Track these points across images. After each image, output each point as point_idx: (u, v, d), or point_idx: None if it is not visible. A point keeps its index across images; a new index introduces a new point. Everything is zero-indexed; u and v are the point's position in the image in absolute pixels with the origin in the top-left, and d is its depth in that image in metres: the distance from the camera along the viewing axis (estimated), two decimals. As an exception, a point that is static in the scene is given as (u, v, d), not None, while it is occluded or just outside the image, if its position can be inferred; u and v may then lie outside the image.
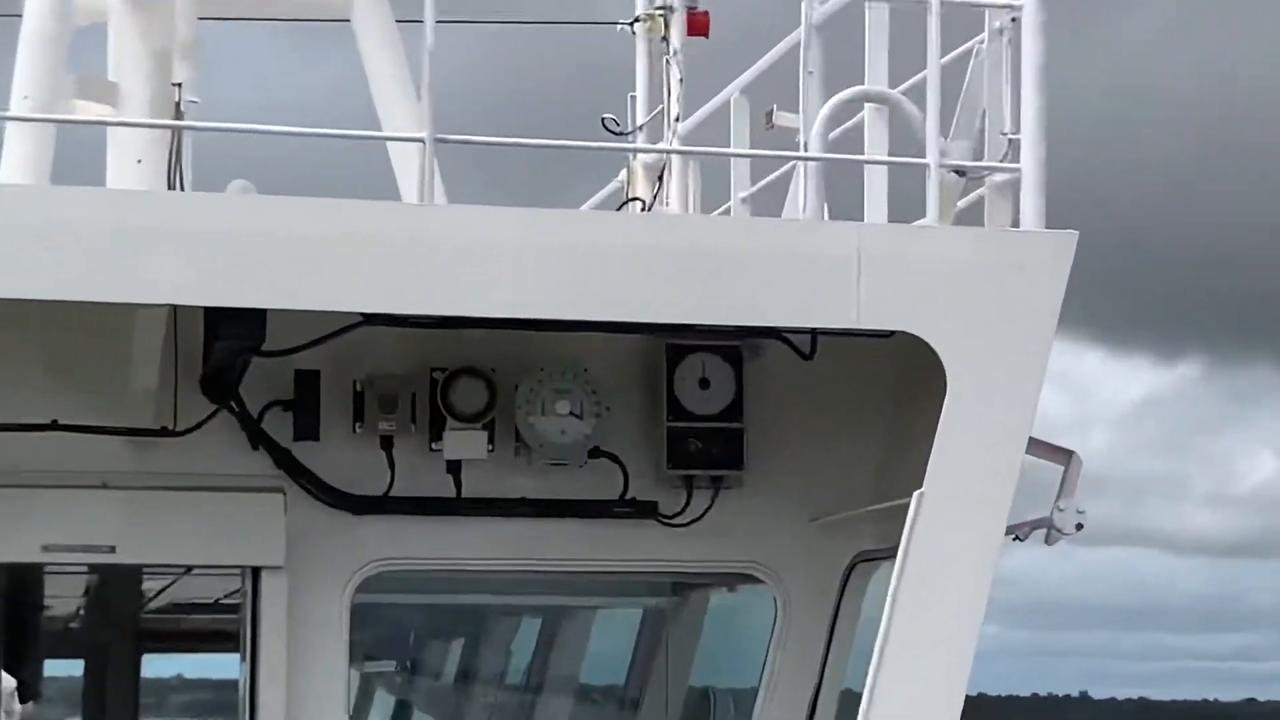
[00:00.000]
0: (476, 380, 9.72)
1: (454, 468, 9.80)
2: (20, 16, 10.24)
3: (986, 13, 9.25)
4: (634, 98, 12.59)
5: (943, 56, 9.24)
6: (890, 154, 9.59)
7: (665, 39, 12.14)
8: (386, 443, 9.75)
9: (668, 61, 12.02)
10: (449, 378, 9.72)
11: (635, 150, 12.00)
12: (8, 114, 9.94)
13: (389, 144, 10.89)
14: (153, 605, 16.44)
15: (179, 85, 11.04)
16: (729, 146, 10.92)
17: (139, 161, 10.75)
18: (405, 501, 9.82)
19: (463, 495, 9.82)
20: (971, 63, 9.37)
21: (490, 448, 9.78)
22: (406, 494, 9.82)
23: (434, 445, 9.77)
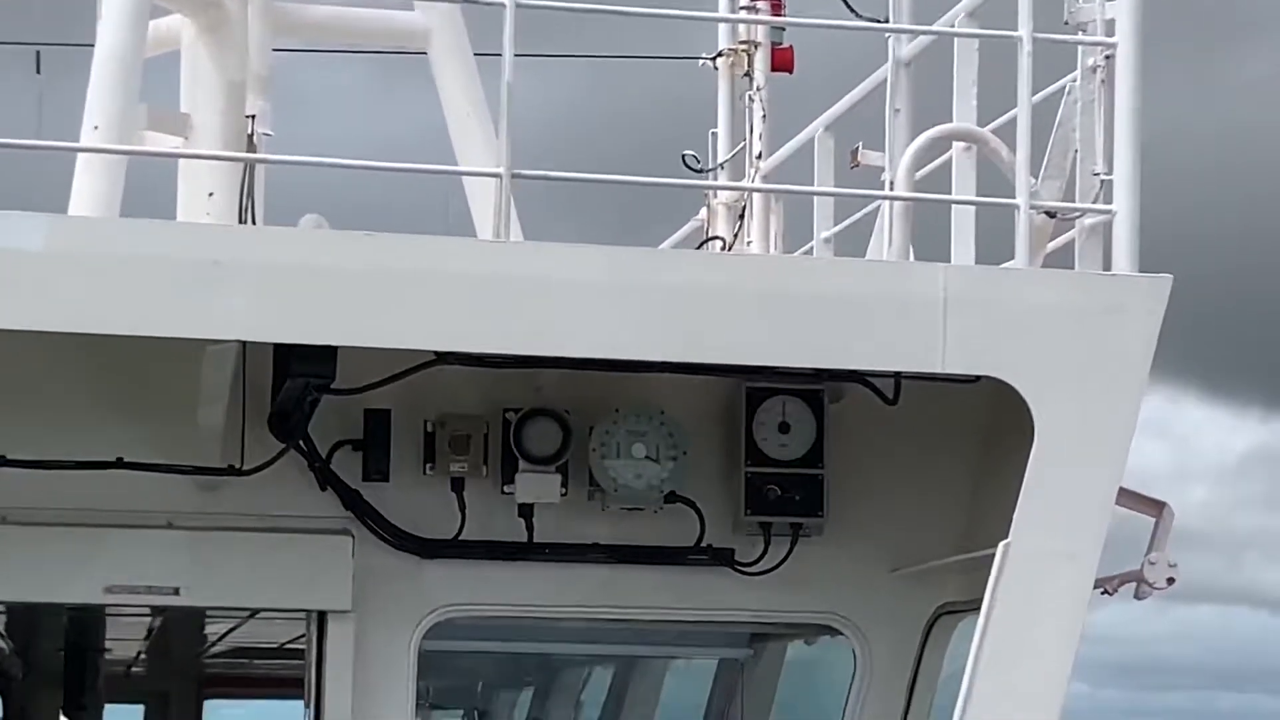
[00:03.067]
0: (550, 421, 9.70)
1: (526, 511, 9.79)
2: (92, 45, 10.29)
3: (1079, 50, 9.21)
4: (715, 134, 12.58)
5: (1034, 94, 9.23)
6: (978, 194, 9.58)
7: (748, 74, 12.15)
8: (457, 484, 9.74)
9: (750, 97, 12.02)
10: (522, 418, 9.71)
11: (716, 188, 12.00)
12: (78, 145, 9.99)
13: (465, 179, 10.92)
14: (216, 649, 16.52)
15: (252, 117, 11.09)
16: (812, 185, 10.91)
17: (210, 194, 10.80)
18: (476, 545, 9.81)
19: (534, 540, 9.81)
20: (1063, 101, 9.32)
21: (564, 491, 9.76)
22: (477, 538, 9.81)
23: (506, 488, 9.76)
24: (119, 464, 9.37)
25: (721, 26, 12.29)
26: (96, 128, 10.04)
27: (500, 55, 8.82)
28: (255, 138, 10.97)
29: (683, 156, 12.57)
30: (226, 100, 11.19)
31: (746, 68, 12.06)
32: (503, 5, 8.73)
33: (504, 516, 9.78)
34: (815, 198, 10.89)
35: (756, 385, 9.88)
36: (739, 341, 9.00)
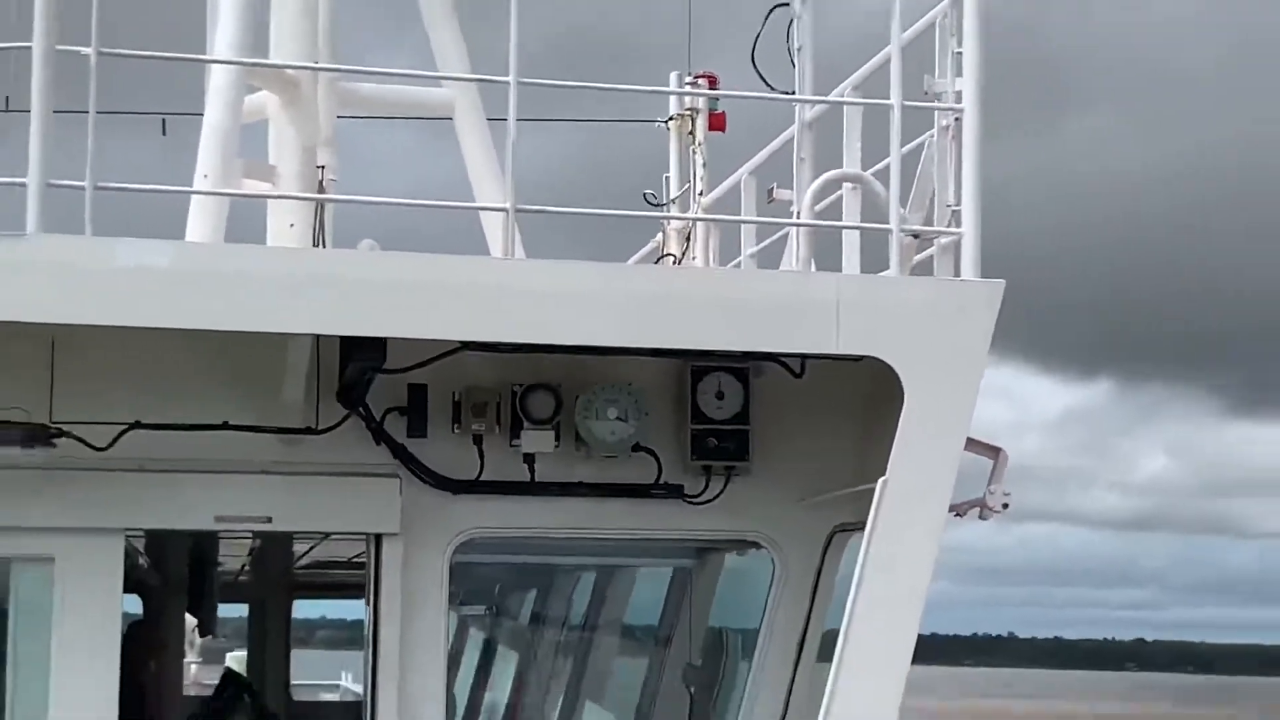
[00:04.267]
0: (546, 393, 9.76)
1: (528, 459, 9.84)
2: (203, 114, 10.32)
3: (936, 113, 9.27)
4: (667, 177, 12.62)
5: (902, 146, 9.28)
6: (861, 221, 9.64)
7: (692, 133, 12.20)
8: (477, 440, 9.78)
9: (694, 150, 12.08)
10: (525, 391, 9.75)
11: (668, 218, 12.03)
12: (192, 189, 10.03)
13: (481, 213, 10.99)
14: (300, 563, 16.54)
15: (322, 167, 11.16)
16: (740, 215, 11.00)
17: (291, 225, 10.88)
18: (491, 484, 9.85)
19: (535, 480, 9.87)
20: (924, 151, 9.38)
21: (556, 444, 9.81)
22: (492, 478, 9.85)
23: (513, 442, 9.80)
24: (225, 426, 9.43)
25: (672, 98, 12.34)
26: (205, 176, 10.06)
27: (506, 120, 8.90)
28: (324, 182, 11.02)
29: (644, 194, 12.64)
30: (302, 155, 11.22)
31: (691, 128, 12.10)
32: (507, 83, 8.81)
33: (512, 463, 9.82)
34: (742, 225, 10.89)
35: (699, 365, 9.93)
36: (685, 332, 9.11)
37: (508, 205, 9.10)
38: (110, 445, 9.21)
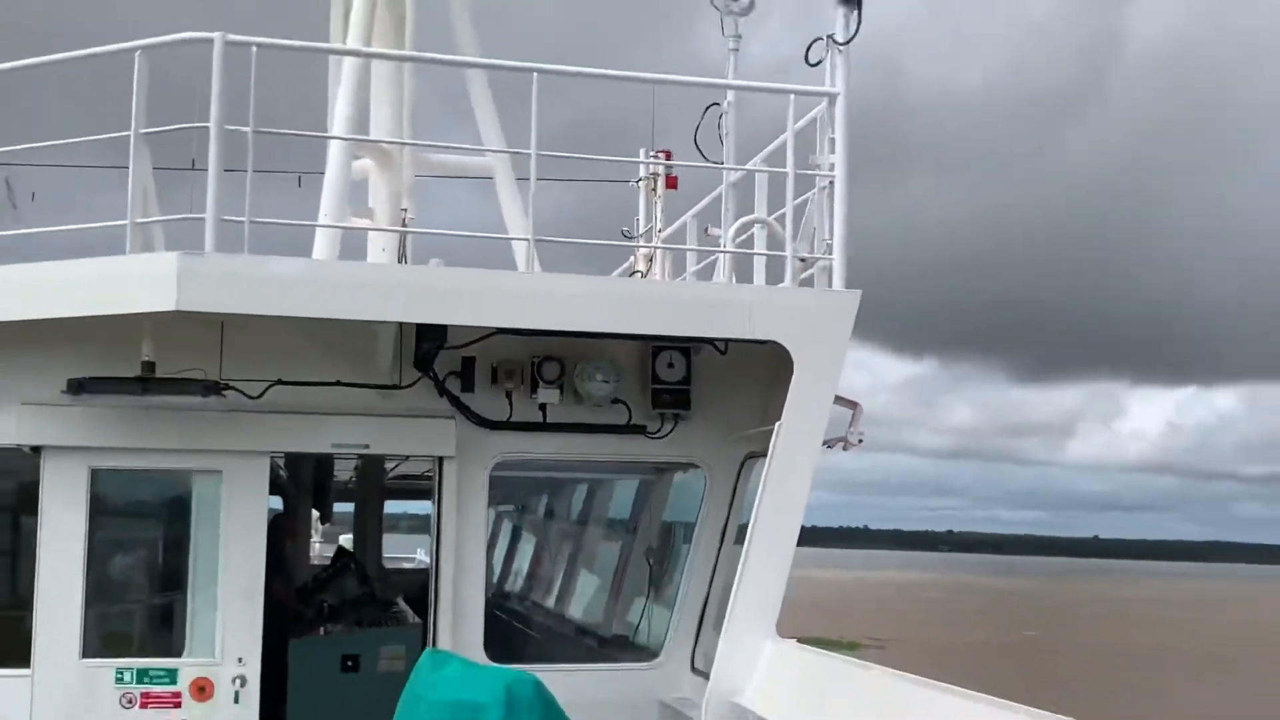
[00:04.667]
0: (554, 363, 9.70)
1: (542, 407, 9.77)
2: (323, 172, 10.28)
3: (816, 178, 9.24)
4: (638, 219, 12.56)
5: (795, 199, 9.21)
6: (767, 250, 9.61)
7: (654, 189, 12.15)
8: (508, 394, 9.72)
9: (655, 201, 12.04)
10: (540, 361, 9.70)
11: (638, 246, 11.96)
12: (317, 223, 9.99)
13: (512, 241, 10.85)
14: (389, 476, 16.48)
15: (404, 210, 11.12)
16: (685, 245, 10.95)
17: (383, 249, 10.84)
18: (516, 424, 9.76)
19: (546, 421, 9.81)
20: (809, 203, 9.34)
21: (561, 397, 9.75)
22: (517, 420, 9.77)
23: (532, 395, 9.73)
24: (338, 383, 9.40)
25: (642, 166, 12.27)
26: (326, 214, 10.01)
27: (529, 179, 8.87)
28: (405, 220, 10.98)
29: (622, 230, 12.59)
30: (391, 201, 11.21)
31: (654, 186, 12.04)
32: (529, 154, 8.77)
33: (531, 409, 9.75)
34: (686, 252, 10.84)
35: (657, 345, 9.84)
36: (648, 323, 9.09)
37: (529, 236, 9.09)
38: (260, 395, 9.20)
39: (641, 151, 12.22)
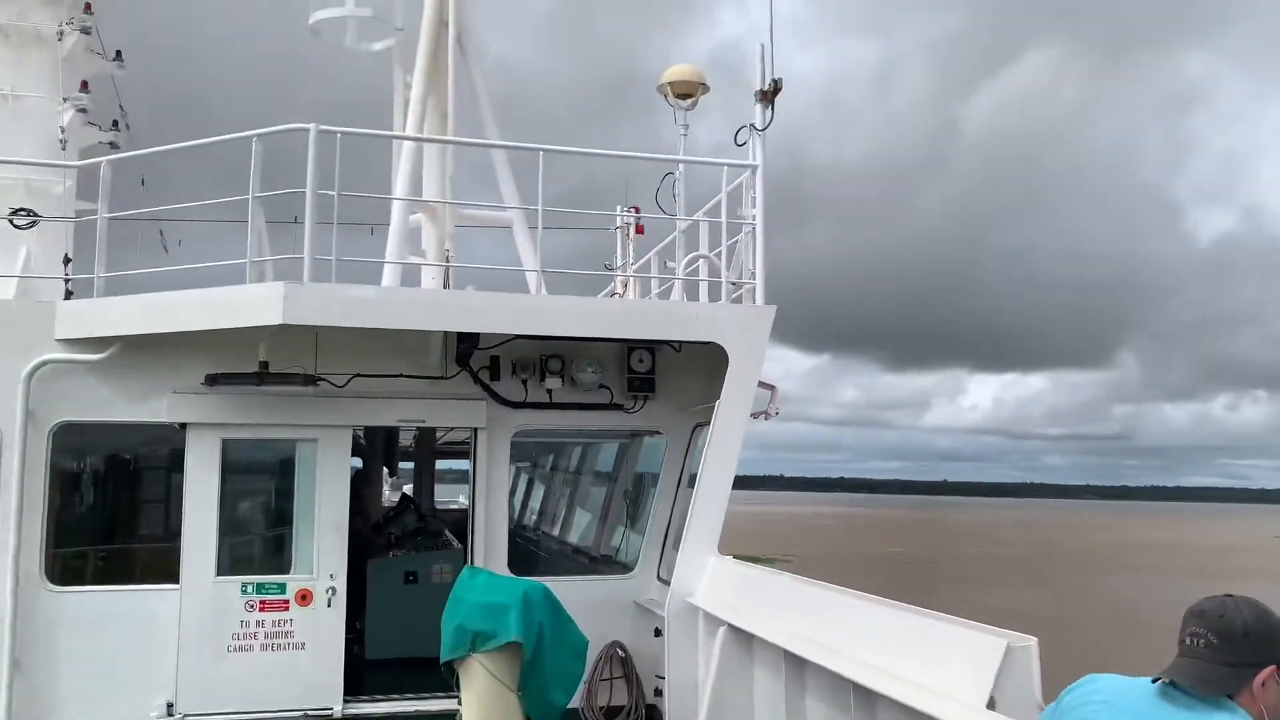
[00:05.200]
0: (558, 359, 9.60)
1: (548, 392, 9.65)
2: (389, 224, 10.18)
3: (744, 225, 9.18)
4: (616, 256, 12.50)
5: (728, 240, 9.22)
6: (709, 277, 9.56)
7: (628, 235, 12.12)
8: (524, 383, 9.60)
9: (629, 243, 12.01)
10: (547, 358, 9.60)
11: (617, 275, 11.86)
12: (384, 259, 9.91)
13: (527, 273, 10.48)
14: (439, 441, 16.35)
15: (448, 250, 11.02)
16: (650, 274, 10.87)
17: (433, 279, 10.71)
18: (530, 403, 9.64)
19: (553, 401, 9.69)
20: (740, 243, 9.28)
21: (562, 384, 9.64)
22: (532, 400, 9.64)
23: (542, 383, 9.61)
24: (400, 375, 9.28)
25: (619, 218, 12.22)
26: (391, 254, 9.93)
27: (537, 228, 8.77)
28: (449, 258, 10.86)
29: (605, 264, 12.51)
30: (439, 244, 11.10)
31: (628, 233, 12.02)
32: (537, 209, 8.67)
33: (540, 393, 9.62)
34: (650, 279, 10.76)
35: (631, 345, 9.76)
36: (624, 331, 9.00)
37: (538, 269, 9.03)
38: (345, 385, 9.10)
39: (618, 207, 12.21)
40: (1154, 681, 2.75)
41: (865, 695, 5.61)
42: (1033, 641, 4.42)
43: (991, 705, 4.39)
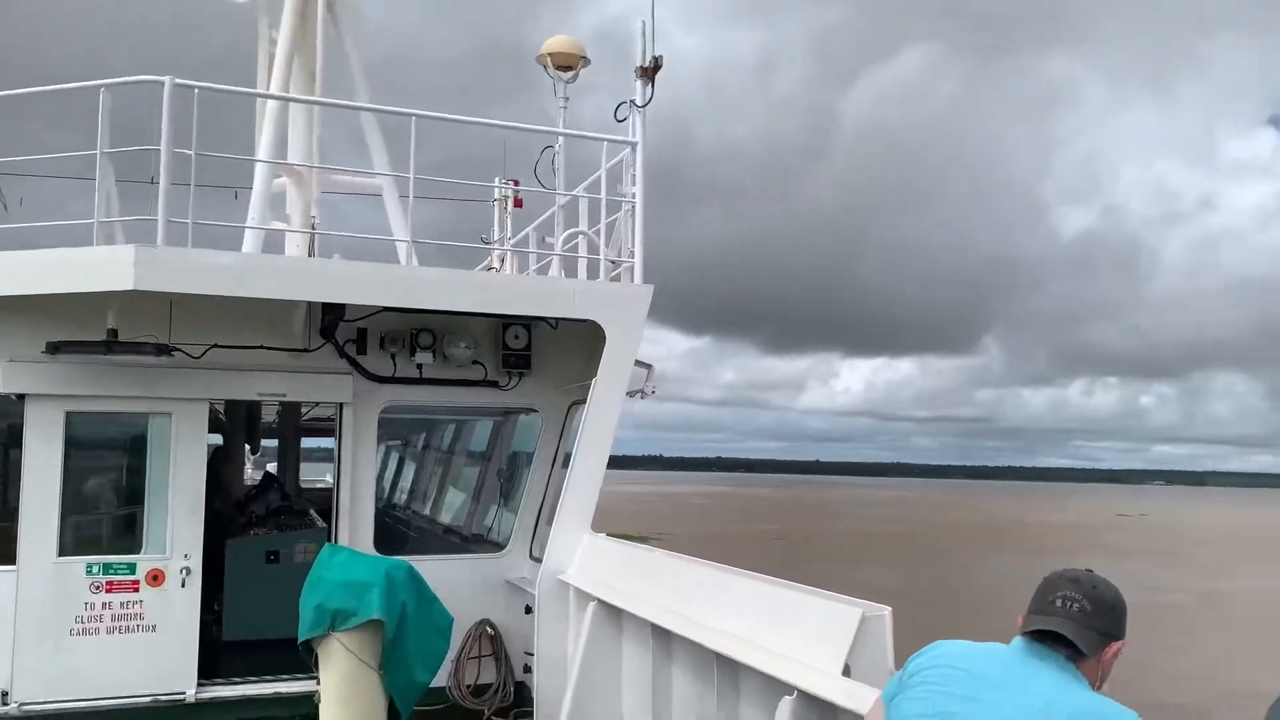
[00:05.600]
0: (428, 333, 9.44)
1: (418, 366, 9.49)
2: (251, 187, 9.82)
3: (623, 203, 9.17)
4: (494, 229, 12.36)
5: (608, 218, 9.19)
6: (587, 254, 9.54)
7: (506, 208, 11.99)
8: (392, 356, 9.42)
9: (507, 216, 11.88)
10: (417, 332, 9.42)
11: (494, 249, 11.74)
12: (245, 224, 9.55)
13: (396, 242, 10.22)
14: (303, 418, 15.94)
15: (314, 217, 10.69)
16: (528, 249, 10.78)
17: (297, 246, 10.40)
18: (400, 379, 9.48)
19: (423, 376, 9.54)
20: (619, 221, 9.28)
21: (433, 358, 9.49)
22: (400, 375, 9.48)
23: (411, 358, 9.44)
24: (262, 346, 8.99)
25: (497, 190, 12.07)
26: (252, 219, 9.58)
27: (408, 197, 8.57)
28: (314, 225, 10.57)
29: (481, 237, 12.37)
30: (303, 210, 10.78)
31: (506, 206, 11.89)
32: (408, 177, 8.47)
33: (410, 368, 9.46)
34: (528, 254, 10.68)
35: (507, 321, 9.68)
36: (500, 306, 8.86)
37: (408, 239, 8.84)
38: (201, 355, 8.76)
39: (496, 179, 12.03)
40: (1025, 635, 2.88)
41: (729, 665, 5.75)
42: (886, 611, 4.61)
43: (846, 672, 4.56)
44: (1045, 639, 2.85)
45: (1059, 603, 2.87)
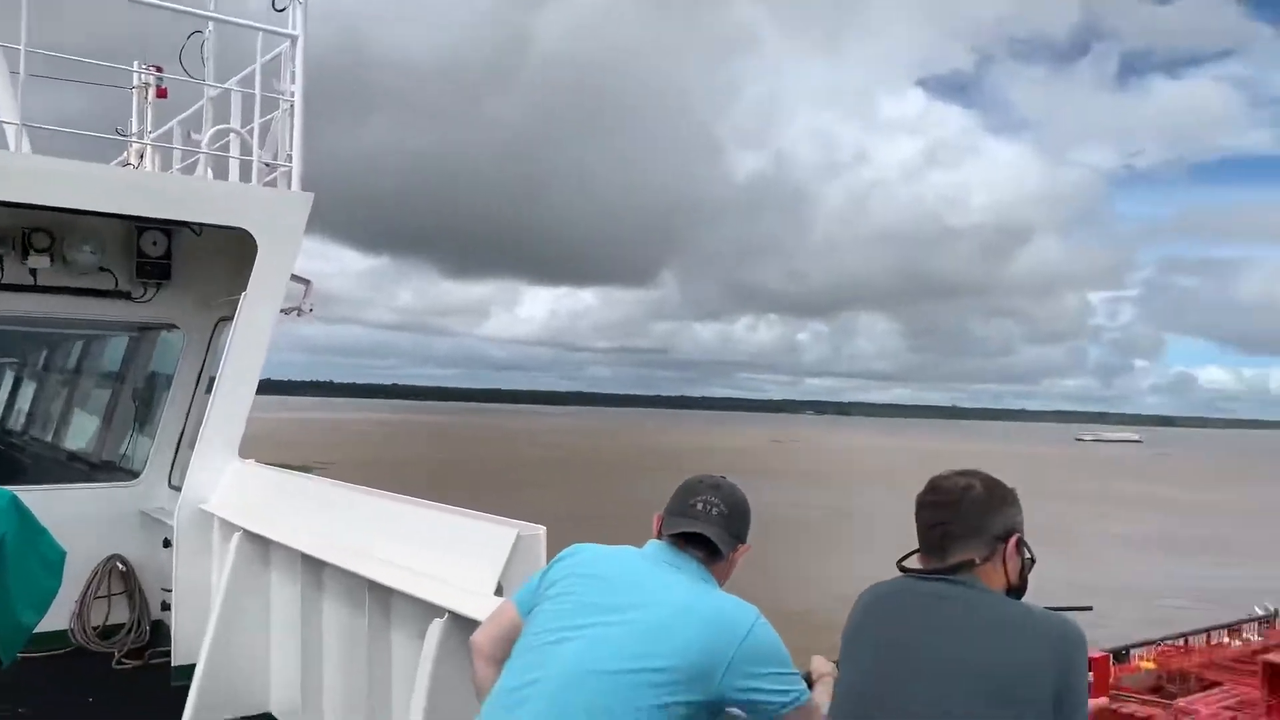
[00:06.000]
0: (44, 233, 8.41)
1: (33, 272, 8.46)
2: None
3: (280, 100, 8.55)
4: (132, 121, 11.02)
5: (263, 116, 8.53)
6: (240, 155, 8.83)
7: (146, 97, 10.74)
8: (0, 259, 8.33)
9: (147, 106, 10.65)
10: (30, 231, 8.39)
11: (132, 141, 10.43)
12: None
13: (5, 127, 8.63)
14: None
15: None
16: (173, 144, 9.76)
17: None
18: (9, 286, 8.45)
19: (38, 284, 8.51)
20: (275, 120, 8.65)
21: (50, 263, 8.49)
22: (10, 283, 8.44)
23: (24, 261, 8.39)
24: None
25: (136, 75, 10.78)
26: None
27: (19, 72, 7.40)
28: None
29: (116, 129, 10.99)
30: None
31: (146, 95, 10.57)
32: (19, 49, 7.32)
33: (22, 274, 8.42)
34: (172, 150, 9.69)
35: (141, 224, 8.84)
36: (135, 206, 8.01)
37: (18, 121, 7.69)
38: None
39: (135, 64, 10.76)
40: (668, 536, 3.06)
41: (381, 592, 5.66)
42: (541, 530, 4.71)
43: (499, 592, 4.61)
44: (681, 541, 3.02)
45: (700, 506, 3.04)
